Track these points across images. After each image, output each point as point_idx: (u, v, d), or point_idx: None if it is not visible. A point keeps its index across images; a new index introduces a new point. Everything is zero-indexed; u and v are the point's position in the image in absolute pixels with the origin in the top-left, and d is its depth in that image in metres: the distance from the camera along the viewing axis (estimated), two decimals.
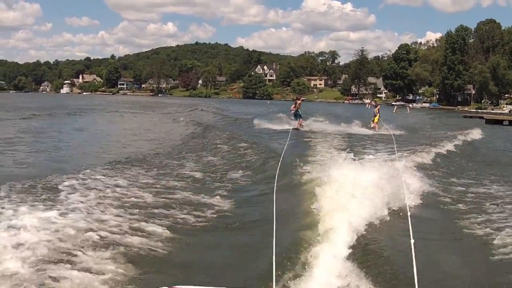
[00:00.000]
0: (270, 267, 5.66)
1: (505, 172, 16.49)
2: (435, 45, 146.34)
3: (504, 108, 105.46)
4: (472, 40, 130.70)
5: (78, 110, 56.50)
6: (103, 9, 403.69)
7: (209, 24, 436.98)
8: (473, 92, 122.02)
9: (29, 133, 26.66)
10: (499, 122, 49.51)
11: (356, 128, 30.04)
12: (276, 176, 9.42)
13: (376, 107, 32.37)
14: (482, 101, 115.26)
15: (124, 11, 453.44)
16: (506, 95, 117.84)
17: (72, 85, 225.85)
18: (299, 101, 30.30)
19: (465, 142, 25.15)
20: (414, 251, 3.88)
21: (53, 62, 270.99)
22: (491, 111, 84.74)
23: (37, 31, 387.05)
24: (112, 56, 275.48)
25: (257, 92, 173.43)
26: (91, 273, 5.99)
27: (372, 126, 30.64)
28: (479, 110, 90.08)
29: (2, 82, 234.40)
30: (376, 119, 30.99)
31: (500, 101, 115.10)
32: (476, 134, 30.59)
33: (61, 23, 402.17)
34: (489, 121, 49.27)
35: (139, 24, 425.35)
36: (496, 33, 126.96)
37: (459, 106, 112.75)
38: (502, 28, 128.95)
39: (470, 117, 61.10)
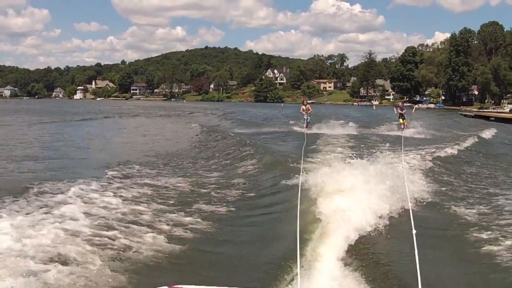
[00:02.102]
0: (270, 266, 6.35)
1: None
2: (440, 47, 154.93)
3: (505, 107, 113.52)
4: (476, 42, 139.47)
5: (119, 113, 66.71)
6: (112, 14, 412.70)
7: (218, 27, 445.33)
8: (476, 92, 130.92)
9: (112, 131, 36.67)
10: (486, 118, 59.40)
11: (383, 130, 32.30)
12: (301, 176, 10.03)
13: (402, 109, 33.37)
14: (486, 101, 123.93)
15: (132, 15, 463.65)
16: (508, 95, 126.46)
17: (85, 91, 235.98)
18: (308, 106, 32.63)
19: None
20: (418, 252, 3.80)
21: (64, 68, 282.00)
22: (492, 111, 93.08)
23: (46, 37, 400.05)
24: (123, 62, 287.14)
25: (268, 95, 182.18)
26: (91, 272, 6.14)
27: (402, 127, 31.49)
28: (478, 110, 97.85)
29: (15, 89, 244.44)
30: (404, 120, 32.25)
31: (502, 100, 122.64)
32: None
33: (70, 29, 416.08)
34: (477, 116, 59.46)
35: (148, 29, 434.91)
36: (498, 34, 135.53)
37: (462, 106, 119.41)
38: (505, 30, 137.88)
39: (465, 115, 70.82)
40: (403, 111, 32.70)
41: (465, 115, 70.52)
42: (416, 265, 3.72)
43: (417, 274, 3.63)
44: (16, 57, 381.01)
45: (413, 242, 4.05)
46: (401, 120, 32.19)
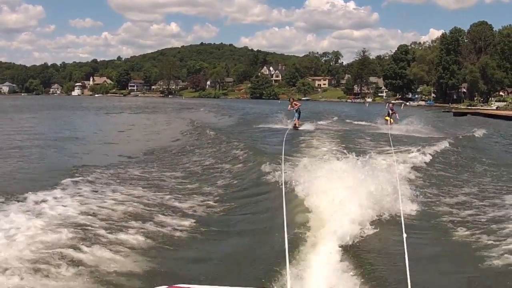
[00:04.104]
0: (267, 266, 6.46)
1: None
2: (431, 45, 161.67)
3: (492, 105, 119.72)
4: (466, 40, 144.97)
5: (133, 109, 74.42)
6: (106, 10, 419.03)
7: (213, 24, 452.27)
8: (464, 90, 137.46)
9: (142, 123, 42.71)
10: (464, 114, 66.26)
11: (371, 127, 33.61)
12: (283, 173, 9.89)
13: (392, 109, 35.08)
14: (475, 99, 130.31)
15: (127, 11, 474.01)
16: (496, 93, 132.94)
17: (83, 87, 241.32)
18: (295, 102, 33.33)
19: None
20: (408, 256, 3.90)
21: (60, 64, 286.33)
22: (469, 107, 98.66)
23: (40, 33, 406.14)
24: (119, 58, 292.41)
25: (264, 92, 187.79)
26: (90, 272, 6.20)
27: (388, 123, 32.80)
28: (459, 107, 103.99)
29: (14, 85, 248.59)
30: (390, 118, 33.89)
31: (490, 98, 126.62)
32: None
33: (64, 25, 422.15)
34: (456, 114, 66.74)
35: (143, 25, 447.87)
36: (487, 34, 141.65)
37: (450, 104, 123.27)
38: (494, 29, 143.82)
39: (448, 111, 77.56)
40: (392, 112, 34.67)
41: (447, 111, 77.37)
42: (406, 270, 3.76)
43: (407, 279, 3.66)
44: (10, 52, 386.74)
45: (404, 246, 4.09)
46: (387, 118, 34.26)
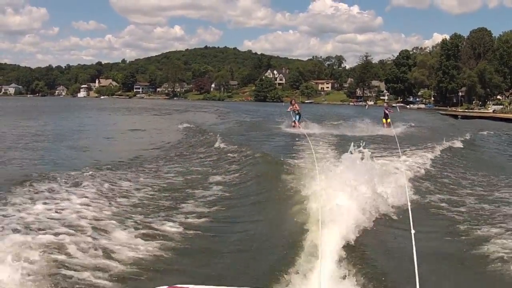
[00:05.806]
0: (267, 266, 6.64)
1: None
2: (431, 51, 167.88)
3: (489, 108, 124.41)
4: (466, 46, 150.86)
5: (151, 110, 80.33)
6: (110, 13, 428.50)
7: (216, 27, 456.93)
8: (460, 94, 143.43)
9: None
10: (455, 116, 72.97)
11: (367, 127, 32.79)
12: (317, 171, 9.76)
13: (387, 109, 35.68)
14: (473, 102, 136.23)
15: (131, 14, 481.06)
16: (494, 97, 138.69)
17: (88, 89, 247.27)
18: (295, 105, 34.08)
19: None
20: (416, 253, 3.99)
21: (65, 66, 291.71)
22: (477, 111, 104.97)
23: (44, 35, 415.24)
24: (123, 61, 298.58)
25: (268, 95, 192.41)
26: (90, 273, 6.33)
27: (385, 126, 33.23)
28: (452, 110, 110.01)
29: (20, 86, 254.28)
30: (387, 120, 34.14)
31: (488, 102, 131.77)
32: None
33: (68, 27, 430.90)
34: (449, 116, 73.82)
35: (146, 28, 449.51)
36: (486, 40, 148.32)
37: (449, 107, 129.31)
38: (493, 35, 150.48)
39: (442, 114, 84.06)
40: (390, 111, 35.10)
41: (442, 114, 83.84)
42: (414, 266, 3.80)
43: (415, 275, 3.71)
44: (14, 54, 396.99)
45: (412, 243, 4.14)
46: (384, 120, 34.64)
